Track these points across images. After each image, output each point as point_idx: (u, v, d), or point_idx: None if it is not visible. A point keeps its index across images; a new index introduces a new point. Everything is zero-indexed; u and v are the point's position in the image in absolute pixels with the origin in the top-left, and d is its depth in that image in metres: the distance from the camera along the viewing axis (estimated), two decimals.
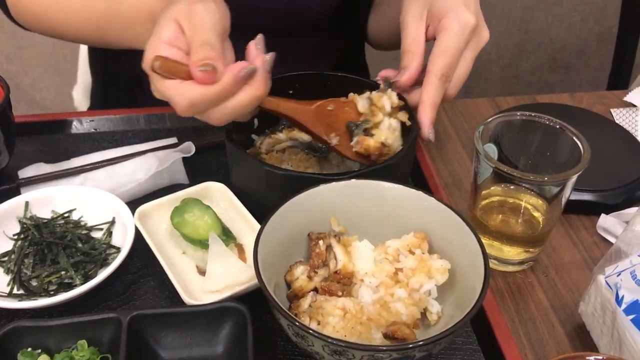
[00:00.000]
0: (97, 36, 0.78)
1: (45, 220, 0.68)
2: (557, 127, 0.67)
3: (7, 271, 0.64)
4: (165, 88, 0.58)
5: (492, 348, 0.60)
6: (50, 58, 1.84)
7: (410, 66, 0.68)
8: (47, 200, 0.70)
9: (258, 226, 0.62)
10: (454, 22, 0.66)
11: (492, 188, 0.69)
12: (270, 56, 0.60)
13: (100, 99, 1.06)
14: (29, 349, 0.55)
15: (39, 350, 0.56)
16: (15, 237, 0.67)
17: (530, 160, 0.71)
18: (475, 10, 0.67)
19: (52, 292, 0.62)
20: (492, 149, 0.68)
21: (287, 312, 0.51)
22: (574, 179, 0.63)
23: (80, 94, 1.25)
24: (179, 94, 0.57)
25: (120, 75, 0.99)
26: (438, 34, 0.67)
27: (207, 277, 0.62)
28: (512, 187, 0.69)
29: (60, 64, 1.85)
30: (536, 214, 0.69)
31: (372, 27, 0.95)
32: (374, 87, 0.71)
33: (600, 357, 0.52)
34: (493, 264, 0.70)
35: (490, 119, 0.68)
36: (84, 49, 1.22)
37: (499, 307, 0.64)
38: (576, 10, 1.87)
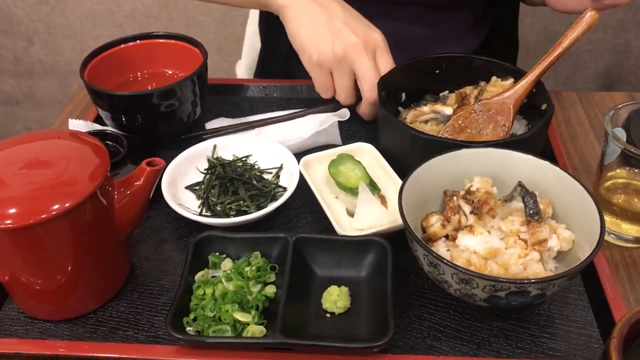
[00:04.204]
0: None
1: (228, 161, 0.84)
2: None
3: (198, 197, 0.81)
4: None
5: (601, 305, 0.67)
6: (212, 37, 2.07)
7: None
8: (229, 146, 0.86)
9: (399, 182, 0.73)
10: None
11: (617, 170, 0.75)
12: None
13: (265, 71, 1.21)
14: (217, 254, 0.71)
15: (224, 255, 0.71)
16: (205, 171, 0.84)
17: None
18: None
19: (232, 216, 0.78)
20: (621, 133, 0.74)
21: (425, 243, 0.62)
22: None
23: (243, 69, 1.42)
24: None
25: (280, 47, 1.11)
26: None
27: (355, 218, 0.75)
28: (636, 170, 0.74)
29: (221, 43, 2.08)
30: None
31: None
32: (517, 73, 0.80)
33: None
34: (611, 238, 0.76)
35: (621, 105, 0.74)
36: (250, 30, 1.40)
37: (612, 274, 0.70)
38: None
